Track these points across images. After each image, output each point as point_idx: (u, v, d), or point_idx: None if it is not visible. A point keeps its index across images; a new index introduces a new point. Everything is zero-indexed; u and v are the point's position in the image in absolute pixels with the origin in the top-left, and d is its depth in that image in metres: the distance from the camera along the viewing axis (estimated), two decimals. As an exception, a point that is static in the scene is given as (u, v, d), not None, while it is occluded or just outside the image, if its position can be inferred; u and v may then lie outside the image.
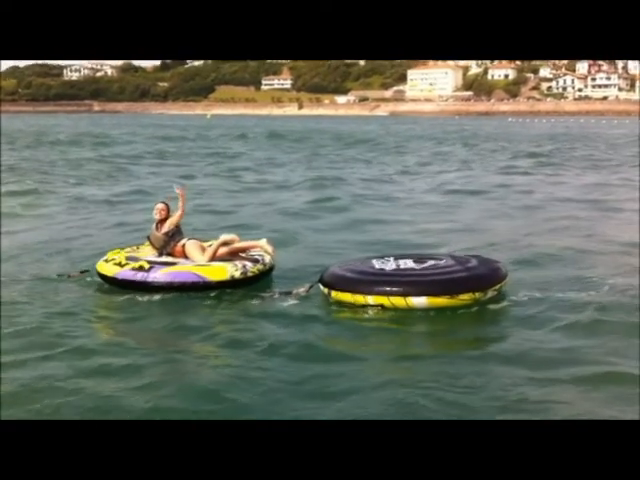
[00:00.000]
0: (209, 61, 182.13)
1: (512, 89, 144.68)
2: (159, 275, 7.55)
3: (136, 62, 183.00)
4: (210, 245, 8.20)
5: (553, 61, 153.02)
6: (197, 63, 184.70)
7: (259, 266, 8.00)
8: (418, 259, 7.74)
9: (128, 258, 7.91)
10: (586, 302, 7.32)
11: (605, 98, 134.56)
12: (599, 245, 10.59)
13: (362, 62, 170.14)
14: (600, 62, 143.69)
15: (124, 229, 12.11)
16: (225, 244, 8.25)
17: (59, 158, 28.18)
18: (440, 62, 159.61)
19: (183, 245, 8.19)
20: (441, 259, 7.73)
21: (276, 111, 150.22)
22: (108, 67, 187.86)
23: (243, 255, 8.24)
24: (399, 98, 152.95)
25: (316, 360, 5.86)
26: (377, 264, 7.55)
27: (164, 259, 7.98)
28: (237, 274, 7.70)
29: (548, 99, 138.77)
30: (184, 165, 26.47)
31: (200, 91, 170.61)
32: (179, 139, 46.65)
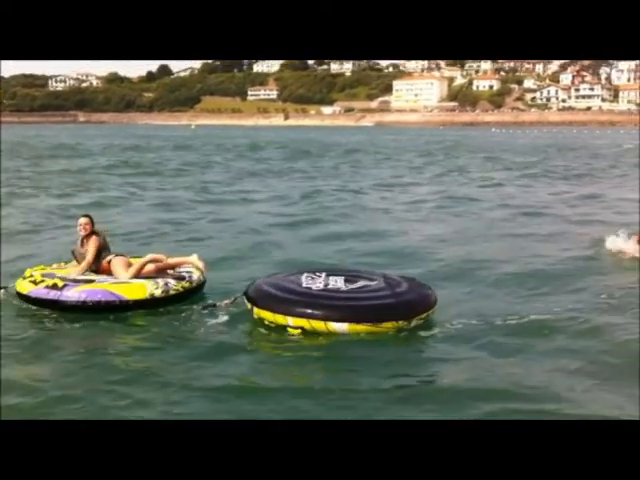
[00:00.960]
0: (195, 71, 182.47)
1: (496, 100, 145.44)
2: (72, 294, 7.08)
3: (122, 72, 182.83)
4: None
5: (537, 71, 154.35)
6: (183, 74, 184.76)
7: (184, 283, 7.54)
8: (350, 277, 7.36)
9: (45, 275, 7.48)
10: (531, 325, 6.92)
11: (589, 108, 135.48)
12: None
13: (348, 73, 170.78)
14: (584, 73, 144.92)
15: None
16: (154, 261, 7.87)
17: (30, 170, 27.62)
18: (425, 73, 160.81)
19: (109, 262, 7.79)
20: (373, 279, 7.33)
21: (262, 121, 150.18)
22: (93, 78, 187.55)
23: (171, 272, 7.84)
24: (385, 109, 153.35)
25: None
26: (305, 281, 7.15)
27: (84, 276, 7.56)
28: (158, 292, 7.26)
29: (532, 110, 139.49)
30: (155, 175, 26.02)
31: (186, 101, 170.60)
32: (156, 149, 46.16)
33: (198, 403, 5.16)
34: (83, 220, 7.88)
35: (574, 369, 5.80)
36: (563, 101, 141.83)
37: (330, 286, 7.05)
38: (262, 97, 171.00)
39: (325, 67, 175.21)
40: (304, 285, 7.06)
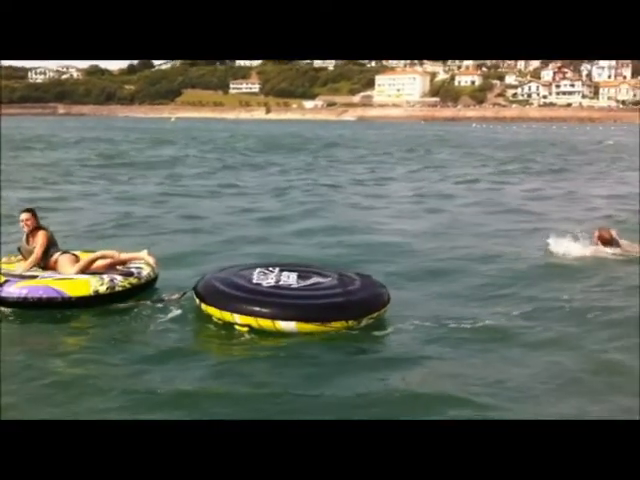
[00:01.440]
0: (177, 64, 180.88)
1: (478, 95, 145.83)
2: (13, 290, 6.80)
3: (102, 64, 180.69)
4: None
5: (519, 67, 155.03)
6: (164, 66, 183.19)
7: (131, 279, 7.28)
8: (303, 274, 7.14)
9: (-10, 270, 7.23)
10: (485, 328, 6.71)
11: (569, 105, 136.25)
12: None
13: (330, 67, 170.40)
14: (565, 69, 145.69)
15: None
16: (104, 257, 7.63)
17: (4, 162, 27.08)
18: (408, 68, 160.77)
19: (56, 260, 7.54)
20: (327, 276, 7.11)
21: (244, 115, 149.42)
22: (74, 70, 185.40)
23: (119, 268, 7.60)
24: (367, 103, 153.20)
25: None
26: (256, 277, 6.92)
27: (29, 272, 7.30)
28: (102, 289, 7.00)
29: (513, 105, 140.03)
30: (126, 167, 25.63)
31: (167, 94, 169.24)
32: (131, 142, 45.57)
33: (141, 407, 4.94)
34: (24, 215, 7.56)
35: (528, 374, 5.61)
36: (544, 97, 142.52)
37: (281, 282, 6.83)
38: (244, 90, 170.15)
39: (308, 61, 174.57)
40: (254, 281, 6.83)
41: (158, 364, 5.74)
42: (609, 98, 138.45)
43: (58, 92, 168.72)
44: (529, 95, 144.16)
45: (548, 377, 5.56)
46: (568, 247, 9.55)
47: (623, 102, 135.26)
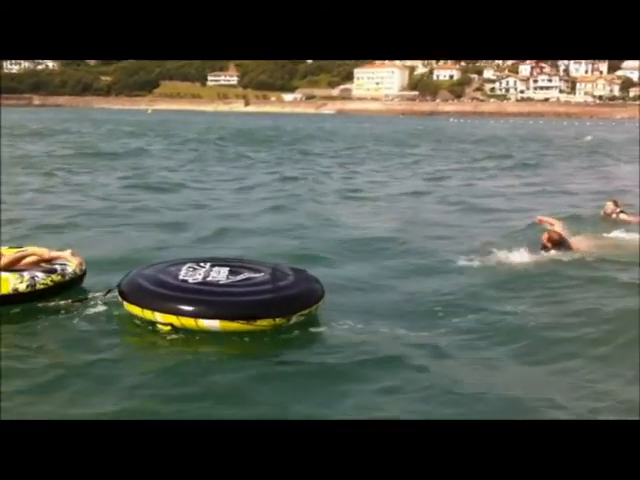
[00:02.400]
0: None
1: (457, 90, 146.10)
2: None
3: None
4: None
5: (497, 62, 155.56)
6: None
7: (54, 277, 6.88)
8: (235, 269, 6.78)
9: None
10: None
11: (546, 100, 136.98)
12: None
13: (309, 60, 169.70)
14: (542, 64, 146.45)
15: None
16: (31, 255, 7.22)
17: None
18: (387, 62, 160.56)
19: (-22, 257, 7.12)
20: (260, 271, 6.77)
21: (222, 107, 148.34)
22: (49, 60, 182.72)
23: (44, 265, 7.20)
24: (346, 97, 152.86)
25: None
26: (184, 273, 6.55)
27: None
28: (22, 287, 6.60)
29: (491, 100, 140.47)
30: (88, 158, 25.05)
31: (144, 86, 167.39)
32: (101, 134, 44.82)
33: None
34: None
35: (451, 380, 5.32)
36: (522, 92, 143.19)
37: (209, 278, 6.47)
38: (222, 83, 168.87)
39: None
40: (180, 277, 6.46)
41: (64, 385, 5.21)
42: (586, 93, 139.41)
43: (33, 83, 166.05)
44: (507, 90, 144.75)
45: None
46: (513, 254, 8.72)
47: (600, 97, 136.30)
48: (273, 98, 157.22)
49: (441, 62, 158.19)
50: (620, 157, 31.20)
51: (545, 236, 8.93)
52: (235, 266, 6.91)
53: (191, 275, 6.52)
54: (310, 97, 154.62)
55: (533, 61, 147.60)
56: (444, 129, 68.86)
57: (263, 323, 6.06)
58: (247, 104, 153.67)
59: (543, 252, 8.79)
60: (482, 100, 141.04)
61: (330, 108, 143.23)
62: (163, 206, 14.34)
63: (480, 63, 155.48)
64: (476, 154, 32.88)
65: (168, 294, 6.15)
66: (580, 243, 9.12)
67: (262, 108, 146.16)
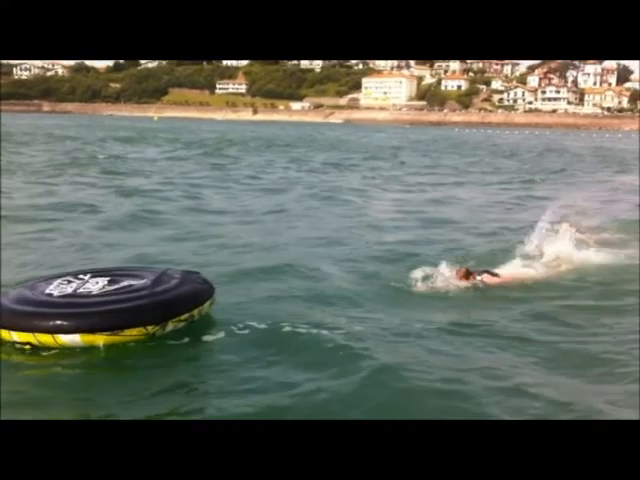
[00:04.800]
0: (163, 63, 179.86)
1: (464, 100, 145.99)
2: None
3: (88, 62, 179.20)
4: None
5: (505, 73, 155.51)
6: (151, 65, 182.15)
7: None
8: (117, 277, 6.33)
9: None
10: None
11: (554, 111, 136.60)
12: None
13: (317, 69, 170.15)
14: (551, 75, 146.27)
15: None
16: None
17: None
18: (395, 71, 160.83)
19: None
20: (143, 277, 6.29)
21: (230, 115, 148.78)
22: (59, 66, 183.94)
23: None
24: (354, 106, 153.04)
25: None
26: (52, 287, 6.05)
27: None
28: None
29: (499, 111, 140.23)
30: (73, 167, 24.96)
31: (153, 93, 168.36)
32: (98, 140, 44.67)
33: None
34: None
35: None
36: (529, 103, 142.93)
37: (80, 290, 6.00)
38: (231, 91, 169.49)
39: (295, 62, 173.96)
40: (47, 292, 5.96)
41: None
42: (594, 105, 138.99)
43: (43, 89, 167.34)
44: (515, 100, 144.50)
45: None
46: (433, 278, 8.27)
47: (608, 109, 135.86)
48: (281, 107, 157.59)
49: (449, 72, 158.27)
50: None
51: (461, 273, 8.34)
52: (117, 275, 6.47)
53: (61, 289, 6.04)
54: (318, 106, 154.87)
55: (542, 72, 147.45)
56: (469, 138, 68.23)
57: (132, 333, 5.60)
58: (255, 112, 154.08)
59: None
60: (490, 111, 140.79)
61: (338, 117, 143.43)
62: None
63: (488, 73, 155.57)
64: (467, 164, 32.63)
65: (24, 310, 5.65)
66: (489, 279, 8.46)
67: (270, 117, 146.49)
